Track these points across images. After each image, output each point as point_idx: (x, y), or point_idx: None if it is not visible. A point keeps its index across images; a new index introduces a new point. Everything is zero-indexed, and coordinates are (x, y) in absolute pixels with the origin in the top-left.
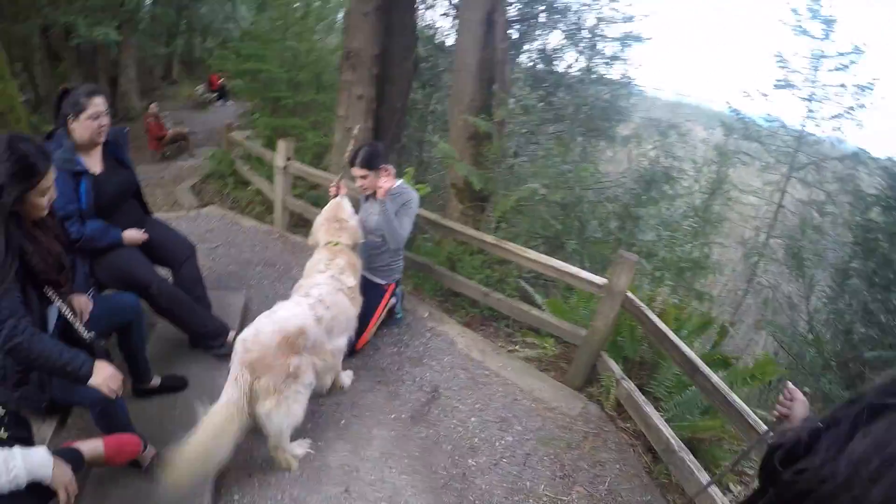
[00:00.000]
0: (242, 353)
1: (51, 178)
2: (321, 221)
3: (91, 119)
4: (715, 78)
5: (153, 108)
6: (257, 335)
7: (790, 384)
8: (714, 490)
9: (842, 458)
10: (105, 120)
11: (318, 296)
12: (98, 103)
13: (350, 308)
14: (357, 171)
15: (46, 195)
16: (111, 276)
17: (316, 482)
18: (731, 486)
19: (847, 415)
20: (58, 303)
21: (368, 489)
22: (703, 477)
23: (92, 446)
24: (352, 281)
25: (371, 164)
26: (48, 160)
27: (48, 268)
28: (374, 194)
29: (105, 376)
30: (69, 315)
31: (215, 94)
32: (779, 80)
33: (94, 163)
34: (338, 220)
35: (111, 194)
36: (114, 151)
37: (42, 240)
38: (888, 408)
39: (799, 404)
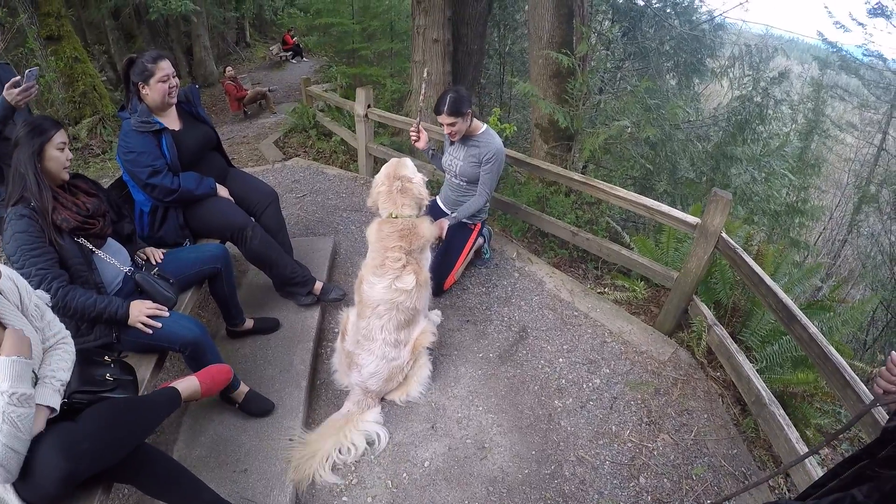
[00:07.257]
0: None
1: (63, 136)
2: (381, 179)
3: (161, 82)
4: (805, 7)
5: (229, 71)
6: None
7: (895, 354)
8: (811, 461)
9: None
10: (174, 81)
11: (383, 339)
12: (164, 66)
13: (414, 311)
14: (444, 119)
15: (63, 151)
16: (206, 224)
17: (404, 419)
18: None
19: None
20: (99, 252)
21: (455, 426)
22: (793, 434)
23: (188, 384)
24: (410, 282)
25: (458, 110)
26: (57, 126)
27: (79, 223)
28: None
29: (135, 314)
30: (106, 257)
31: (290, 53)
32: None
33: (171, 121)
34: (398, 177)
35: (192, 148)
36: (188, 108)
37: (68, 199)
38: None
39: None
